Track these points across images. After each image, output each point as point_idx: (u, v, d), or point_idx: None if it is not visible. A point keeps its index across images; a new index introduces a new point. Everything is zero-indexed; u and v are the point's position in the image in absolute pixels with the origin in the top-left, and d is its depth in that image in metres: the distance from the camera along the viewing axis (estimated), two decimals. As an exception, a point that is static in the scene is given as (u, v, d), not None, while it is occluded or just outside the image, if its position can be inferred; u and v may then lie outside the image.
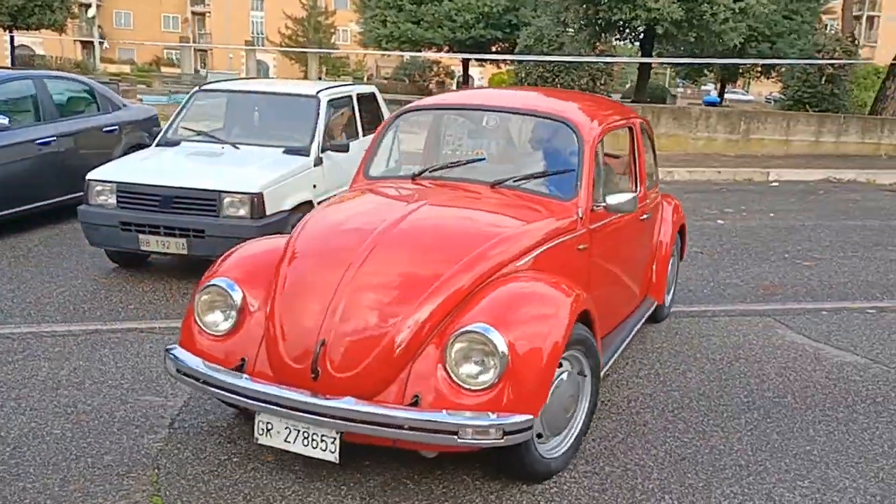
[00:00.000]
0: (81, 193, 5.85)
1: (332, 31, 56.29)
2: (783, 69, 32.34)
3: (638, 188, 4.42)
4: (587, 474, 3.19)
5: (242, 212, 5.45)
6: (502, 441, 2.69)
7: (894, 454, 3.49)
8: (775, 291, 6.21)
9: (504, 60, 35.87)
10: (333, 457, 2.80)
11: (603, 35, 19.47)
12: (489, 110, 4.47)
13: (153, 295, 5.46)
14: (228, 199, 5.44)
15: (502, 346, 2.73)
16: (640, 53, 20.31)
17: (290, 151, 6.20)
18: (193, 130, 6.56)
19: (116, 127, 8.09)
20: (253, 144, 6.32)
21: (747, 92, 55.65)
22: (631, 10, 16.38)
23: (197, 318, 3.14)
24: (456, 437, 2.66)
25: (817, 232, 8.72)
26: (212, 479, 3.05)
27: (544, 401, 2.86)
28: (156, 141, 6.69)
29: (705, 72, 40.65)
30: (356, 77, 54.85)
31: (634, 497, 3.04)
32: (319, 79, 42.84)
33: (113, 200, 5.63)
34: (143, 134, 8.34)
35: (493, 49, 36.84)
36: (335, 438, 2.79)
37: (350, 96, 7.22)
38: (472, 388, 2.74)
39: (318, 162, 6.28)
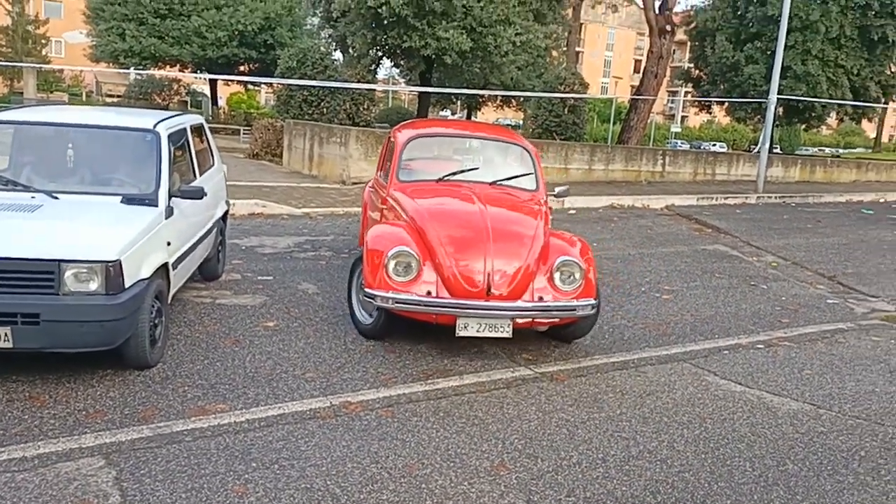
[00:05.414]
0: None
1: (44, 41, 49.87)
2: (522, 99, 34.83)
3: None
4: None
5: (94, 286, 4.06)
6: (593, 311, 5.20)
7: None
8: (666, 332, 6.16)
9: (258, 83, 34.34)
10: (508, 334, 4.92)
11: (379, 62, 19.22)
12: (472, 137, 7.05)
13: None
14: (73, 271, 4.02)
15: (582, 265, 5.10)
16: (418, 83, 20.41)
17: (130, 200, 4.85)
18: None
19: None
20: (74, 192, 4.87)
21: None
22: (421, 38, 16.26)
23: (389, 273, 4.93)
24: (575, 311, 5.06)
25: (647, 261, 9.06)
26: None
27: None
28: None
29: (452, 99, 42.48)
30: (72, 93, 49.09)
31: None
32: (48, 95, 37.74)
33: None
34: None
35: (242, 69, 35.12)
36: (509, 323, 4.88)
37: (185, 129, 5.94)
38: (567, 289, 5.04)
39: (170, 213, 5.00)
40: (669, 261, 9.21)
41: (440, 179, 6.10)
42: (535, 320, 5.10)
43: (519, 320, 4.95)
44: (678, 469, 3.73)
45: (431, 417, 4.16)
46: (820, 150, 55.71)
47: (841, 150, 58.21)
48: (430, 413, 4.22)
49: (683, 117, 75.31)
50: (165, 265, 4.82)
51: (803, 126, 32.63)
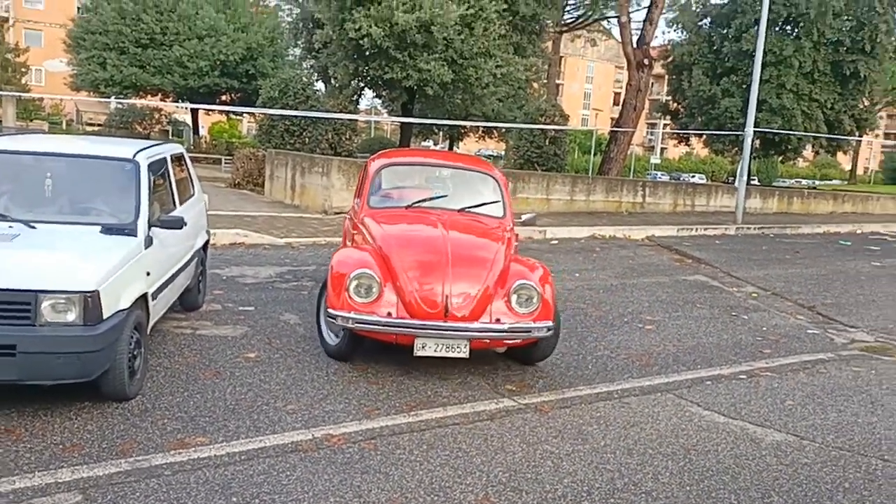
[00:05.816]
0: None
1: (24, 70, 49.63)
2: (504, 130, 35.14)
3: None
4: None
5: (71, 317, 4.00)
6: (549, 333, 5.31)
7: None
8: (649, 362, 6.16)
9: (239, 113, 34.34)
10: (465, 354, 5.10)
11: (361, 93, 19.33)
12: (443, 166, 7.17)
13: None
14: (50, 302, 3.95)
15: (539, 288, 5.28)
16: (400, 113, 20.53)
17: (109, 230, 4.79)
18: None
19: None
20: (53, 222, 4.80)
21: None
22: (402, 69, 16.38)
23: (351, 295, 5.10)
24: (530, 333, 5.24)
25: (629, 291, 9.09)
26: None
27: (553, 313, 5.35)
28: None
29: (435, 130, 42.73)
30: (53, 122, 48.80)
31: None
32: (27, 124, 37.49)
33: None
34: None
35: (224, 99, 35.13)
36: (466, 344, 5.08)
37: (165, 158, 5.90)
38: (524, 312, 5.19)
39: (149, 242, 4.95)
40: (651, 291, 9.25)
41: (409, 206, 6.28)
42: (493, 341, 5.31)
43: (476, 341, 5.13)
44: (663, 501, 3.71)
45: (415, 450, 4.11)
46: (797, 181, 56.63)
47: (817, 182, 59.16)
48: (414, 445, 4.17)
49: (663, 149, 76.20)
50: (145, 296, 4.76)
51: (780, 158, 33.12)
